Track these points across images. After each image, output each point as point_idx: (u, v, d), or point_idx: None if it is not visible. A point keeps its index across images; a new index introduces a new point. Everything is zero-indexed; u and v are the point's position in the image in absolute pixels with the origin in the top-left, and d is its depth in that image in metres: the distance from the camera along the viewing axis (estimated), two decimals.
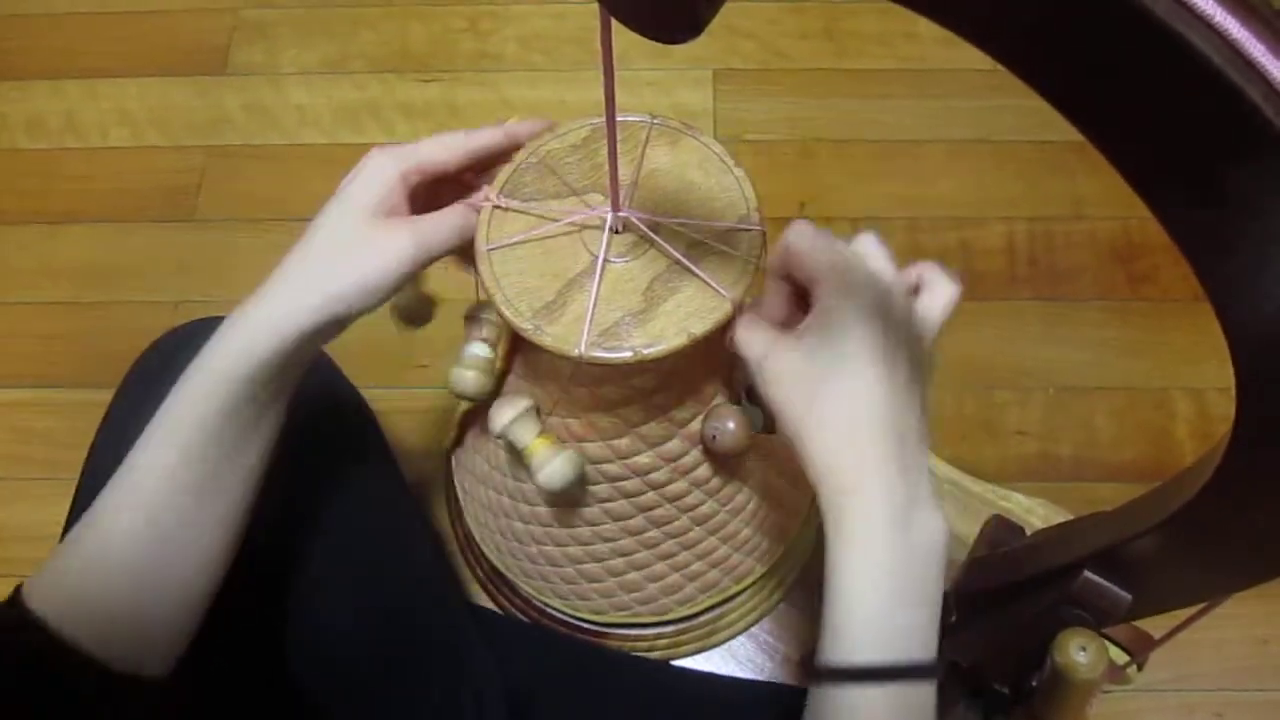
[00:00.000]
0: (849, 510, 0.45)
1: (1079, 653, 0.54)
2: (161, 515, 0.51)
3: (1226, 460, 0.40)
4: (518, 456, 0.60)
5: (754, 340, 0.49)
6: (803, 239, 0.48)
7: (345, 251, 0.52)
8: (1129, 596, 0.54)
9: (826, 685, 0.46)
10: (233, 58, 1.22)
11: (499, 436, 0.59)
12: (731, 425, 0.59)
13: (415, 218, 0.54)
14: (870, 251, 0.50)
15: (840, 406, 0.46)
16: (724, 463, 0.66)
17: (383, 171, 0.53)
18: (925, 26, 1.22)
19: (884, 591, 0.45)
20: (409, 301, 0.64)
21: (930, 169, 1.12)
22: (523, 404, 0.59)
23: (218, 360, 0.50)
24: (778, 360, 0.48)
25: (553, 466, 0.58)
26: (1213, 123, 0.28)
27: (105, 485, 0.51)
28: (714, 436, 0.60)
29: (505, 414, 0.59)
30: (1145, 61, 0.27)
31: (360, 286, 0.51)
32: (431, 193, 0.57)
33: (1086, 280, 1.07)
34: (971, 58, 1.28)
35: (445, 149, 0.55)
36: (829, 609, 0.46)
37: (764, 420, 0.62)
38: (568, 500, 0.67)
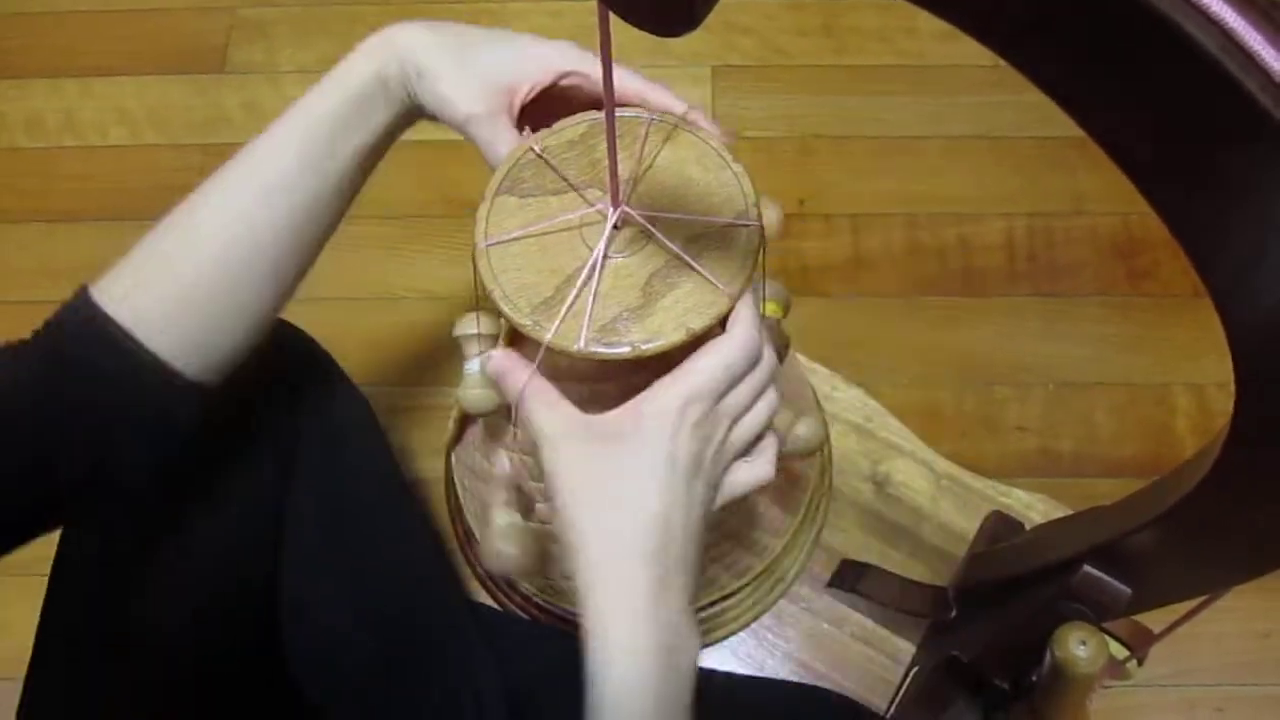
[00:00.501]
0: (617, 626, 0.46)
1: (1079, 647, 0.54)
2: (255, 236, 0.53)
3: (1224, 455, 0.40)
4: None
5: (550, 417, 0.49)
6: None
7: (485, 79, 0.55)
8: (1128, 590, 0.54)
9: None
10: (231, 56, 1.22)
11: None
12: (802, 431, 0.60)
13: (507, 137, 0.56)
14: (742, 377, 0.50)
15: (630, 517, 0.47)
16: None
17: (559, 58, 0.57)
18: (924, 22, 1.22)
19: (642, 709, 0.45)
20: (482, 405, 0.62)
21: (929, 165, 1.12)
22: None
23: (341, 65, 0.56)
24: (573, 446, 0.48)
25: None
26: (1210, 113, 0.28)
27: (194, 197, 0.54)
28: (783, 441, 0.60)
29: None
30: (1143, 52, 0.27)
31: (462, 112, 0.55)
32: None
33: (1087, 276, 1.07)
34: (971, 53, 1.28)
35: (617, 81, 0.57)
36: None
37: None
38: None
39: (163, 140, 1.17)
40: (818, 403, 0.91)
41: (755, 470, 0.52)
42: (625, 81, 0.57)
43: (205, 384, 0.54)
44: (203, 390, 0.54)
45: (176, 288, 0.52)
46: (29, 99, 1.21)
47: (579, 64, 0.57)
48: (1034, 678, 0.63)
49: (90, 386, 0.50)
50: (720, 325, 0.50)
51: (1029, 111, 1.14)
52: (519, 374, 0.50)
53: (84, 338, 0.51)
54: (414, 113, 0.57)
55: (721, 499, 0.51)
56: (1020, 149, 1.13)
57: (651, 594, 0.46)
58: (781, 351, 0.63)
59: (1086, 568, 0.54)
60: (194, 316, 0.52)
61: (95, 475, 0.51)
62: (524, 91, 0.57)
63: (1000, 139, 1.14)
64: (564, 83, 0.58)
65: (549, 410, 0.50)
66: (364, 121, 0.55)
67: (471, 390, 0.60)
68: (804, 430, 0.63)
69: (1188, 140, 0.29)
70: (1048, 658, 0.56)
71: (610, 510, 0.47)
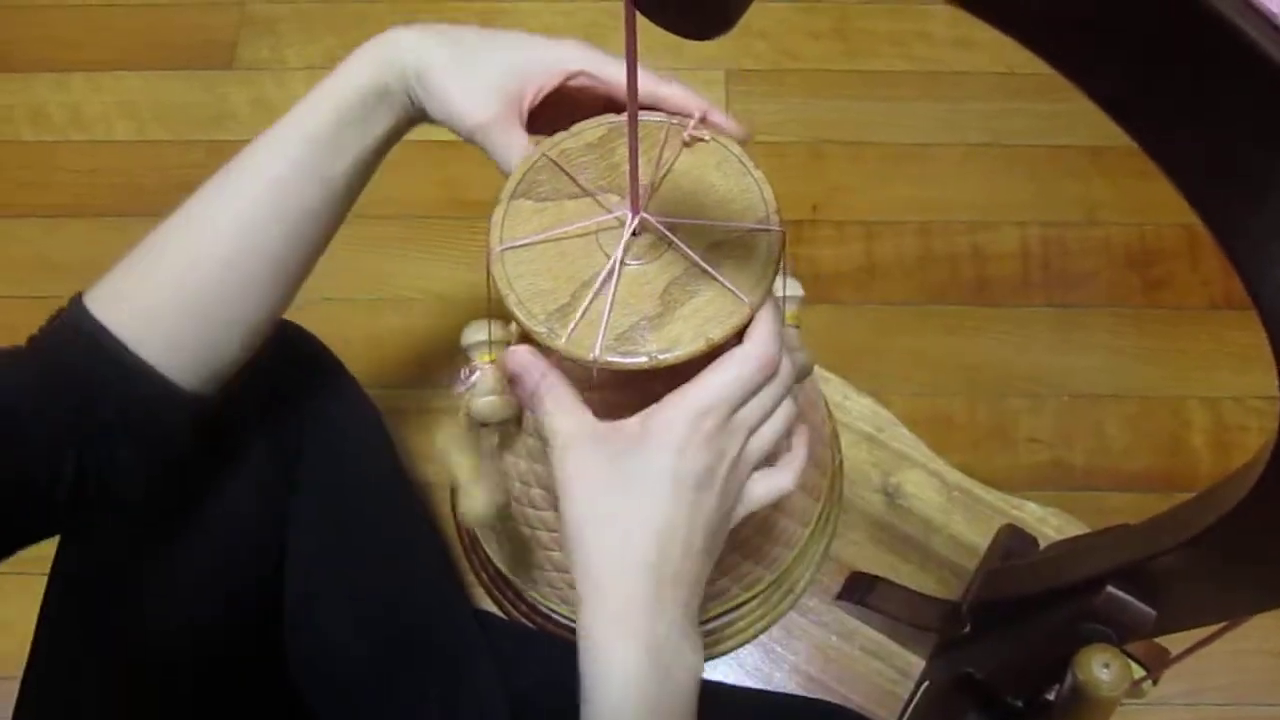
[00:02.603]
0: (613, 639, 0.45)
1: (1101, 670, 0.53)
2: (252, 243, 0.52)
3: (1269, 474, 0.38)
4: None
5: (564, 420, 0.48)
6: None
7: (491, 86, 0.54)
8: (1154, 613, 0.52)
9: None
10: (239, 52, 1.21)
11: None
12: None
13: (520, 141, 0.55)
14: (759, 389, 0.49)
15: (633, 529, 0.46)
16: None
17: (567, 58, 0.55)
18: (939, 27, 1.21)
19: None
20: (493, 413, 0.60)
21: (942, 172, 1.11)
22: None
23: (339, 71, 0.54)
24: (583, 451, 0.47)
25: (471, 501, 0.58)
26: (1273, 119, 0.27)
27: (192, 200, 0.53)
28: None
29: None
30: (1203, 58, 0.26)
31: (470, 122, 0.54)
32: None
33: (1100, 286, 1.06)
34: (985, 60, 1.27)
35: (605, 79, 0.56)
36: None
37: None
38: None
39: (169, 136, 1.16)
40: (829, 414, 0.90)
41: (776, 480, 0.51)
42: (639, 81, 0.55)
43: (201, 393, 0.53)
44: (198, 400, 0.53)
45: (171, 297, 0.51)
46: (34, 92, 1.20)
47: (587, 63, 0.56)
48: (1049, 697, 0.62)
49: (84, 395, 0.50)
50: (739, 335, 0.49)
51: (1043, 119, 1.14)
52: (535, 374, 0.49)
53: (78, 346, 0.50)
54: (416, 118, 0.56)
55: (743, 511, 0.50)
56: (1034, 157, 1.12)
57: (647, 609, 0.45)
58: (806, 369, 0.62)
59: (1110, 588, 0.52)
60: (188, 326, 0.52)
61: (90, 484, 0.50)
62: (531, 95, 0.56)
63: (1014, 147, 1.13)
64: (573, 83, 0.56)
65: (563, 414, 0.49)
66: (363, 131, 0.54)
67: (481, 398, 0.59)
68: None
69: (1245, 147, 0.28)
70: (1068, 679, 0.55)
71: (612, 520, 0.46)
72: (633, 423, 0.48)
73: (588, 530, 0.46)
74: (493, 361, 0.59)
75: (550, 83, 0.56)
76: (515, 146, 0.54)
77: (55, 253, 1.11)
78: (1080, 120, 1.13)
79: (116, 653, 0.61)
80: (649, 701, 0.44)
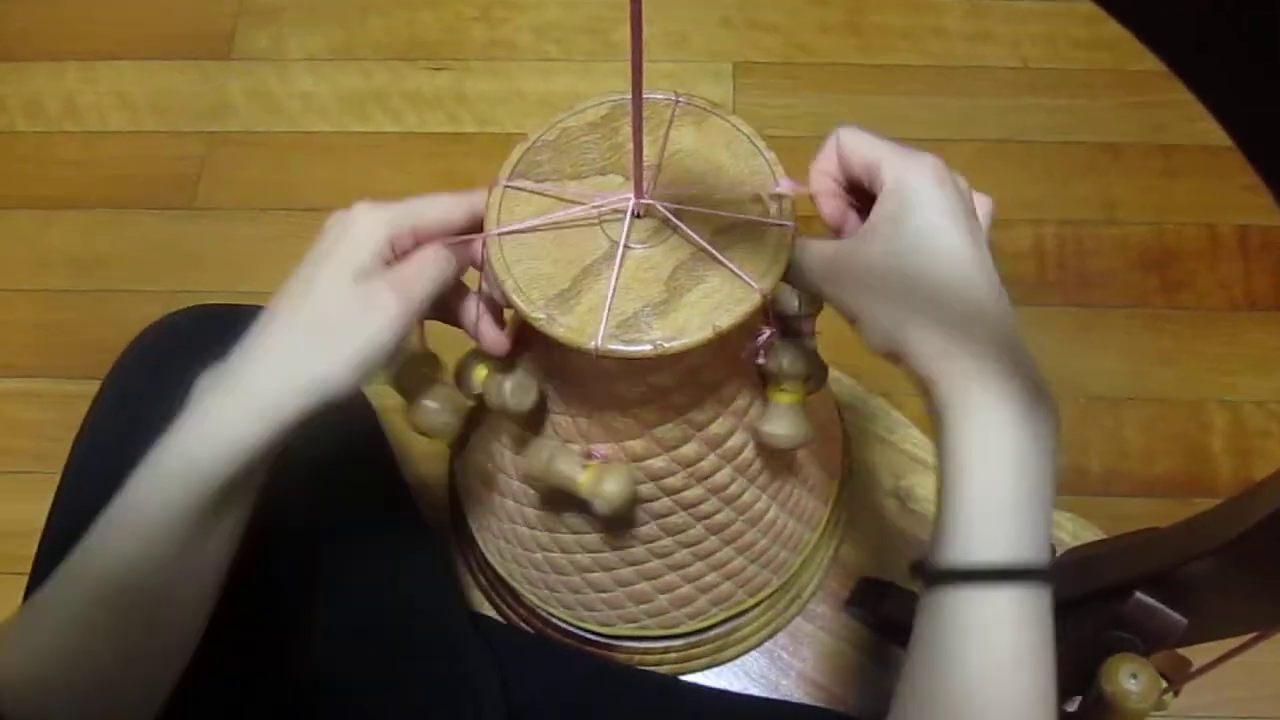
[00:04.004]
0: (977, 395, 0.42)
1: (1130, 680, 0.50)
2: (126, 606, 0.46)
3: None
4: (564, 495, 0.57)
5: (816, 253, 0.47)
6: (854, 133, 0.47)
7: (333, 327, 0.46)
8: (1184, 621, 0.50)
9: (946, 589, 0.42)
10: (238, 42, 1.19)
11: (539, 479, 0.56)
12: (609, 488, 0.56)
13: (391, 272, 0.48)
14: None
15: (940, 285, 0.43)
16: (772, 456, 0.63)
17: (373, 235, 0.47)
18: (953, 22, 1.19)
19: (1012, 483, 0.41)
20: (408, 370, 0.58)
21: (956, 168, 1.06)
22: (551, 443, 0.56)
23: (193, 445, 0.45)
24: (851, 262, 0.45)
25: (610, 489, 0.55)
26: None
27: (63, 558, 0.46)
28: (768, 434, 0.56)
29: (541, 455, 0.55)
30: None
31: (352, 365, 0.46)
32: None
33: (1118, 286, 1.03)
34: (1000, 55, 1.24)
35: (443, 212, 0.50)
36: (951, 504, 0.42)
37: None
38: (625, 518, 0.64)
39: (165, 127, 1.14)
40: (840, 414, 0.87)
41: (983, 202, 0.51)
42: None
43: None
44: None
45: (39, 659, 0.46)
46: (28, 82, 1.18)
47: (394, 228, 0.49)
48: (1070, 709, 0.59)
49: None
50: (749, 324, 0.46)
51: (1059, 115, 1.11)
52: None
53: None
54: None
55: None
56: (1049, 154, 1.10)
57: (1017, 355, 0.43)
58: (821, 376, 0.60)
59: (1139, 595, 0.49)
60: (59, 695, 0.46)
61: None
62: (388, 255, 0.49)
63: (1029, 143, 1.10)
64: (405, 245, 0.49)
65: (812, 252, 0.48)
66: (239, 504, 0.49)
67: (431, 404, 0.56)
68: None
69: None
70: (1093, 689, 0.52)
71: (924, 281, 0.43)
72: (878, 206, 0.45)
73: (909, 311, 0.43)
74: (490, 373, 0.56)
75: (382, 261, 0.48)
76: (424, 272, 0.48)
77: (49, 246, 1.08)
78: (1098, 116, 1.10)
79: None
80: (1017, 453, 0.42)
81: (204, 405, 0.46)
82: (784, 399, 0.58)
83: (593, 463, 0.57)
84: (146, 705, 0.49)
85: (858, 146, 0.47)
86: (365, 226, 0.48)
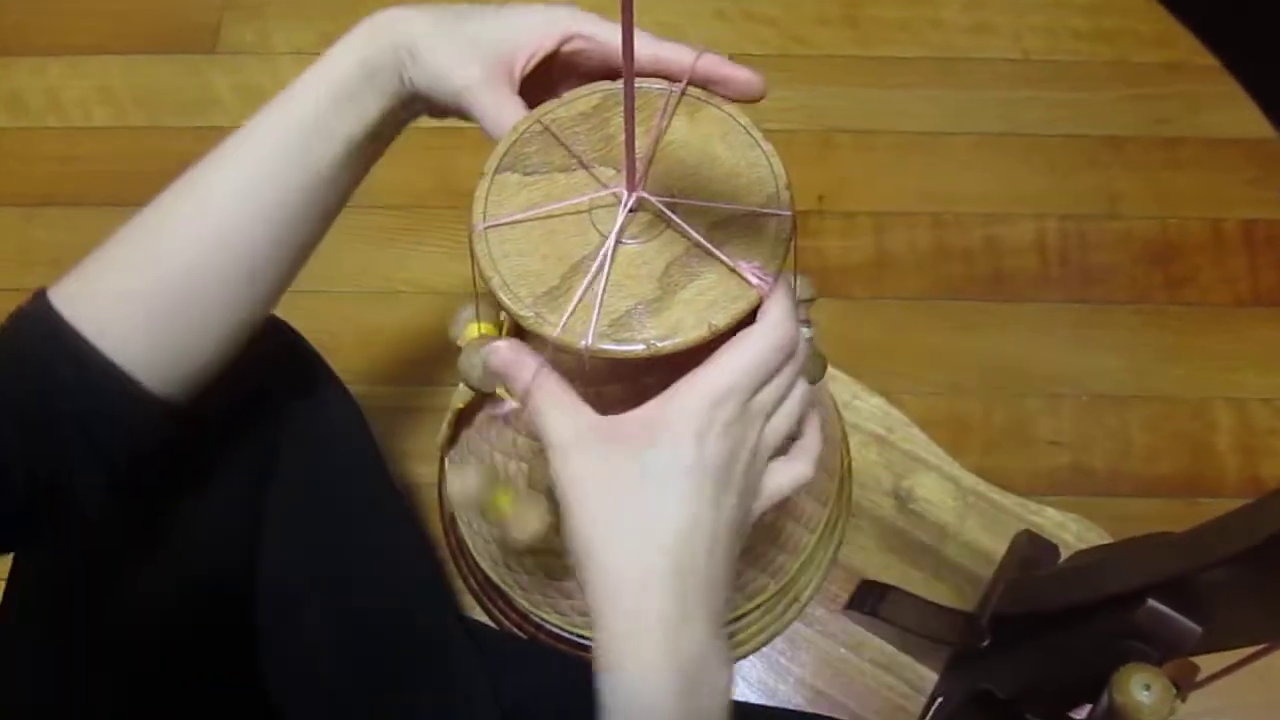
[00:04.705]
0: (637, 662, 0.40)
1: (1142, 691, 0.48)
2: (231, 239, 0.49)
3: None
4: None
5: (562, 419, 0.43)
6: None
7: (486, 50, 0.50)
8: (1199, 629, 0.48)
9: None
10: (223, 36, 1.17)
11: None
12: None
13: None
14: (776, 372, 0.44)
15: (652, 533, 0.41)
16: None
17: (560, 19, 0.52)
18: (952, 13, 1.17)
19: None
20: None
21: (956, 162, 1.07)
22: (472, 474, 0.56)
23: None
24: (588, 453, 0.42)
25: (523, 524, 0.54)
26: None
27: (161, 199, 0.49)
28: None
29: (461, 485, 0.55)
30: None
31: (461, 83, 0.50)
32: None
33: (1121, 282, 1.01)
34: (1000, 46, 1.22)
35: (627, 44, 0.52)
36: None
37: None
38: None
39: (150, 122, 1.12)
40: (839, 413, 0.86)
41: (794, 469, 0.47)
42: (636, 45, 0.51)
43: (170, 398, 0.49)
44: (166, 405, 0.49)
45: (141, 296, 0.48)
46: (10, 77, 1.16)
47: (581, 26, 0.52)
48: (1078, 718, 0.58)
49: (46, 396, 0.46)
50: (750, 318, 0.44)
51: (1060, 108, 1.09)
52: (525, 371, 0.45)
53: (36, 342, 0.47)
54: (410, 102, 0.53)
55: (761, 505, 0.46)
56: (1051, 147, 1.08)
57: (671, 621, 0.41)
58: (820, 369, 0.58)
59: (1152, 602, 0.48)
60: (159, 328, 0.48)
61: (43, 494, 0.46)
62: (524, 59, 0.52)
63: (1030, 136, 1.08)
64: (567, 48, 0.52)
65: (560, 413, 0.44)
66: (351, 114, 0.51)
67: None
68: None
69: None
70: (1103, 700, 0.50)
71: (626, 526, 0.42)
72: (641, 414, 0.43)
73: (598, 541, 0.42)
74: (483, 335, 0.54)
75: (544, 46, 0.52)
76: (506, 109, 0.50)
77: (33, 243, 1.06)
78: (1100, 108, 1.08)
79: (78, 666, 0.58)
80: None
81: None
82: None
83: (507, 488, 0.55)
84: (210, 368, 0.51)
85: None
86: (559, 13, 0.52)
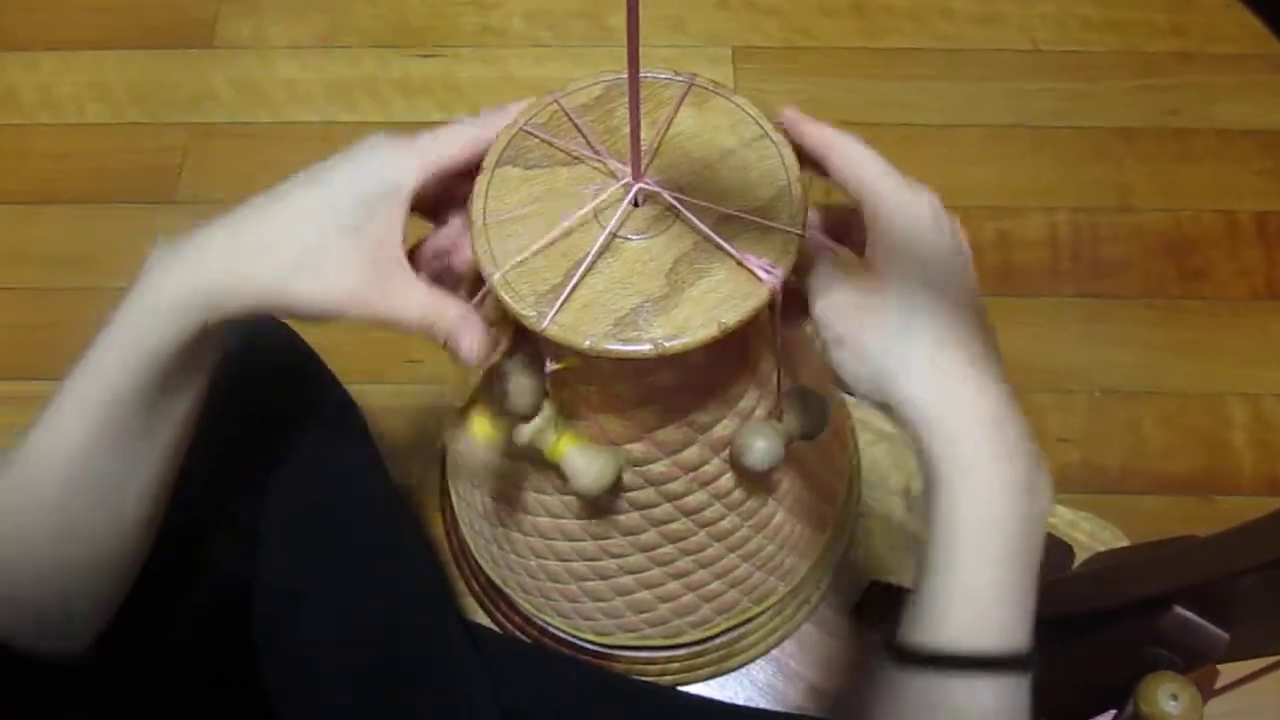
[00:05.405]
0: (973, 450, 0.39)
1: (1169, 702, 0.46)
2: (70, 489, 0.44)
3: None
4: (544, 463, 0.52)
5: (832, 297, 0.43)
6: (859, 147, 0.45)
7: (336, 254, 0.43)
8: (1226, 636, 0.46)
9: (923, 672, 0.39)
10: (219, 30, 1.15)
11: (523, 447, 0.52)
12: (761, 444, 0.51)
13: (435, 292, 0.44)
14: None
15: (944, 326, 0.41)
16: (751, 479, 0.59)
17: (402, 168, 0.44)
18: (961, 3, 1.15)
19: (1002, 565, 0.39)
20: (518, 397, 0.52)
21: (965, 155, 1.05)
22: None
23: (139, 319, 0.43)
24: (850, 293, 0.42)
25: (592, 472, 0.50)
26: None
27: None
28: (740, 454, 0.52)
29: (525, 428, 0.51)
30: None
31: (336, 307, 0.43)
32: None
33: (1134, 276, 1.00)
34: (1010, 37, 1.19)
35: (464, 145, 0.46)
36: (934, 581, 0.39)
37: (805, 426, 0.54)
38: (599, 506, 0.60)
39: (145, 118, 1.10)
40: (847, 411, 0.84)
41: None
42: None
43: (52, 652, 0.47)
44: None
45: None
46: (2, 73, 1.14)
47: (472, 140, 0.47)
48: None
49: None
50: (756, 320, 0.43)
51: (1071, 99, 1.07)
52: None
53: None
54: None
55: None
56: (1062, 139, 1.06)
57: (1001, 414, 0.40)
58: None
59: (1178, 609, 0.46)
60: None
61: None
62: (400, 228, 0.44)
63: (1041, 128, 1.06)
64: (447, 172, 0.46)
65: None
66: (183, 388, 0.46)
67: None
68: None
69: None
70: (1128, 709, 0.49)
71: (927, 320, 0.41)
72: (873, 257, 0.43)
73: (898, 365, 0.41)
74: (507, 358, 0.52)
75: (419, 201, 0.46)
76: (411, 300, 0.44)
77: (25, 242, 1.04)
78: (1112, 100, 1.06)
79: (78, 667, 0.56)
80: (1008, 534, 0.39)
81: (157, 274, 0.43)
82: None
83: (575, 432, 0.52)
84: (90, 612, 0.48)
85: (861, 161, 0.45)
86: (394, 155, 0.44)
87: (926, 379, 0.40)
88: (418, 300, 0.44)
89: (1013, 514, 0.39)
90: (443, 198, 0.48)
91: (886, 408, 0.41)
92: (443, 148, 0.46)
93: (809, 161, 0.47)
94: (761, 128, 0.48)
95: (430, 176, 0.45)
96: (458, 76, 1.11)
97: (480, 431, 0.52)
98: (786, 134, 0.47)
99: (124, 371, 0.42)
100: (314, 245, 0.43)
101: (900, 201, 0.43)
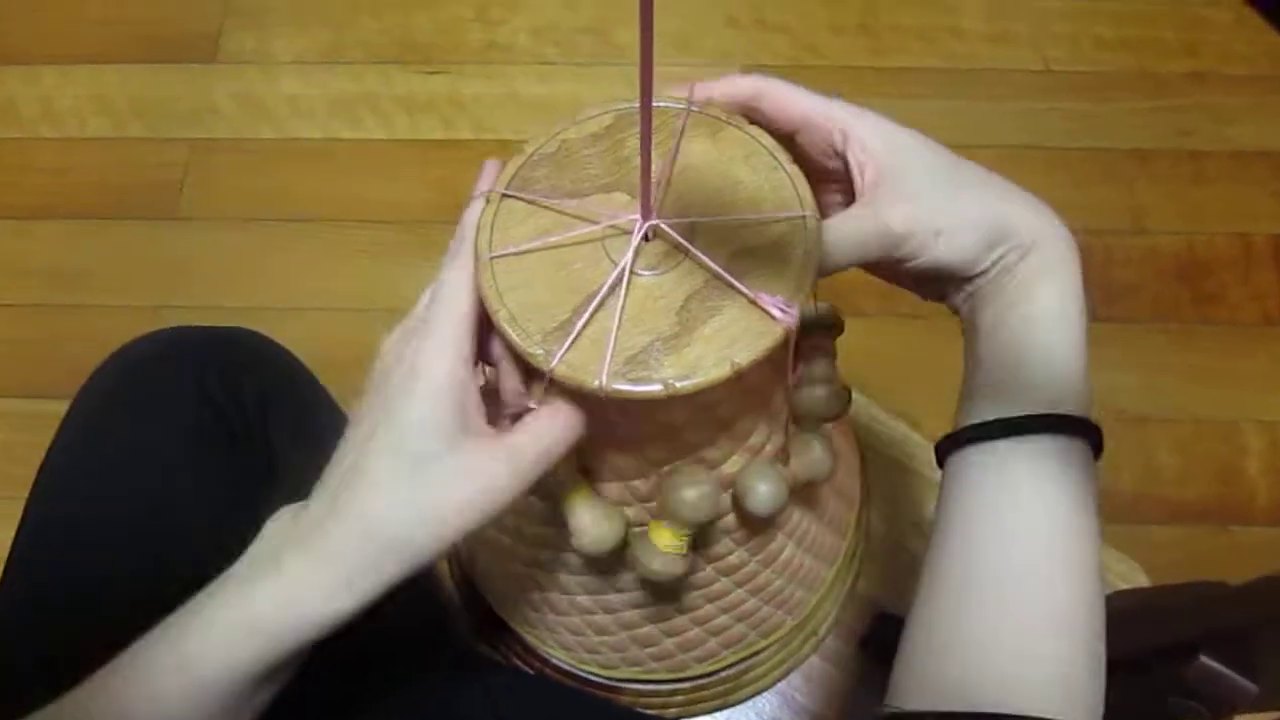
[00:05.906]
0: (1066, 251, 0.47)
1: None
2: None
3: None
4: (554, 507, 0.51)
5: (850, 225, 0.45)
6: (786, 87, 0.47)
7: (439, 485, 0.39)
8: (1255, 689, 0.44)
9: (1018, 440, 0.44)
10: (223, 44, 1.14)
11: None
12: (764, 488, 0.50)
13: (506, 435, 0.42)
14: None
15: (988, 176, 0.47)
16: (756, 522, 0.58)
17: (452, 371, 0.40)
18: (971, 22, 1.13)
19: (1077, 344, 0.46)
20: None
21: None
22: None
23: (269, 609, 0.39)
24: (895, 197, 0.46)
25: (592, 534, 0.49)
26: None
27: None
28: (743, 497, 0.51)
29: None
30: None
31: (437, 543, 0.40)
32: None
33: (1146, 299, 0.98)
34: (1022, 56, 1.17)
35: (466, 297, 0.43)
36: (1037, 356, 0.45)
37: (812, 472, 0.53)
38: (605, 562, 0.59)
39: (147, 133, 1.09)
40: (857, 440, 0.82)
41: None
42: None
43: None
44: None
45: None
46: (3, 86, 1.13)
47: (466, 286, 0.43)
48: None
49: None
50: (770, 359, 0.41)
51: (1082, 120, 1.06)
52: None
53: None
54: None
55: None
56: (1073, 160, 1.05)
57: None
58: (842, 405, 0.55)
59: (1203, 658, 0.44)
60: None
61: None
62: (464, 401, 0.41)
63: (1052, 149, 1.05)
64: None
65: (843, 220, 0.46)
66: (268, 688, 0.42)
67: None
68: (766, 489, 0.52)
69: None
70: None
71: (979, 174, 0.49)
72: (862, 169, 0.47)
73: (951, 217, 0.47)
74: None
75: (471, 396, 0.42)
76: (522, 454, 0.42)
77: (24, 257, 1.03)
78: (1124, 121, 1.05)
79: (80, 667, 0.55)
80: (1081, 311, 0.48)
81: (282, 564, 0.40)
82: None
83: (585, 486, 0.51)
84: None
85: (796, 96, 0.47)
86: (439, 362, 0.40)
87: (1014, 197, 0.47)
88: (522, 449, 0.42)
89: (1084, 299, 0.47)
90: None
91: (992, 245, 0.46)
92: (452, 324, 0.42)
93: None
94: (775, 159, 0.46)
95: (465, 357, 0.42)
96: (462, 93, 1.10)
97: (661, 541, 0.51)
98: (785, 149, 0.47)
99: (254, 661, 0.39)
100: (425, 498, 0.40)
101: (855, 110, 0.47)
